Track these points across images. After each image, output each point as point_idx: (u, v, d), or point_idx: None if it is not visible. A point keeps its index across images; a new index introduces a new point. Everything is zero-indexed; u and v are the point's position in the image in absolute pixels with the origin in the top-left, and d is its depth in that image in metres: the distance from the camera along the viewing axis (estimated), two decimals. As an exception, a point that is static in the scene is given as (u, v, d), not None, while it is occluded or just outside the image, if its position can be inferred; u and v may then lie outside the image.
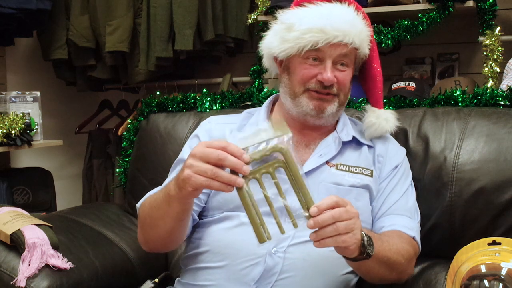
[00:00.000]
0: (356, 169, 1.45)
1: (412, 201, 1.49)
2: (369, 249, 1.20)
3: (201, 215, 1.48)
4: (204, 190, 1.42)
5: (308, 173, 1.42)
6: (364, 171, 1.45)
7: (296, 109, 1.44)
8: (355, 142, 1.50)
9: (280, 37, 1.42)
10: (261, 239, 1.09)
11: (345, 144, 1.48)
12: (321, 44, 1.36)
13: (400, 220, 1.43)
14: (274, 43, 1.44)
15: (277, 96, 1.56)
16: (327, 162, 1.45)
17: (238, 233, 1.38)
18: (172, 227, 1.33)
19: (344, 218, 1.11)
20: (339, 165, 1.45)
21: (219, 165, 1.10)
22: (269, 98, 1.58)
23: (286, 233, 1.11)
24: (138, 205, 1.44)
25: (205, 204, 1.46)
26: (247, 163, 1.09)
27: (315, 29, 1.36)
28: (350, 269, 1.41)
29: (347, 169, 1.45)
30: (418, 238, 1.44)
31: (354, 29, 1.39)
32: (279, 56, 1.44)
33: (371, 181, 1.45)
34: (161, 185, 1.46)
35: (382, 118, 1.50)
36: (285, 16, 1.44)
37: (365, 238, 1.19)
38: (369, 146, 1.51)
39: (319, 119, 1.44)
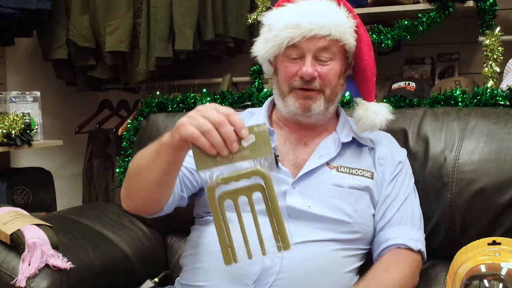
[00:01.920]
0: (356, 171, 1.45)
1: (416, 207, 1.49)
2: None
3: (200, 210, 1.48)
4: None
5: (308, 173, 1.42)
6: (365, 173, 1.45)
7: (285, 109, 1.45)
8: (355, 144, 1.50)
9: (263, 38, 1.45)
10: (227, 261, 1.08)
11: (345, 145, 1.48)
12: (297, 39, 1.37)
13: (404, 232, 1.43)
14: (260, 45, 1.47)
15: (278, 96, 1.56)
16: (327, 164, 1.45)
17: (235, 233, 1.38)
18: (155, 178, 1.26)
19: None
20: (339, 167, 1.45)
21: (216, 128, 1.05)
22: (269, 98, 1.58)
23: (253, 258, 1.08)
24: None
25: (202, 192, 1.46)
26: (242, 138, 1.05)
27: (291, 25, 1.38)
28: (349, 269, 1.41)
29: (347, 171, 1.44)
30: (423, 249, 1.44)
31: (331, 21, 1.38)
32: (264, 57, 1.46)
33: (371, 183, 1.45)
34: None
35: (371, 111, 1.47)
36: (266, 17, 1.46)
37: None
38: (370, 148, 1.51)
39: (308, 117, 1.44)
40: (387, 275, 1.36)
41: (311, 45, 1.38)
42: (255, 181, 1.06)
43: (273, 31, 1.41)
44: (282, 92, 1.45)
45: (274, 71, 1.49)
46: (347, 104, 1.82)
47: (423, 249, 1.44)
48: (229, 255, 1.07)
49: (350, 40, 1.42)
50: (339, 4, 1.42)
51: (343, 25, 1.40)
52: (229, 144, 1.04)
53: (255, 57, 1.51)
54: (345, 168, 1.45)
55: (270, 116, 1.54)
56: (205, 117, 1.07)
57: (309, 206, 1.39)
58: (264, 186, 1.05)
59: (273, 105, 1.57)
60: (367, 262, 1.48)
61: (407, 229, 1.44)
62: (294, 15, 1.39)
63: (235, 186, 1.06)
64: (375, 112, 1.47)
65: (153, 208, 1.38)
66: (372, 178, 1.46)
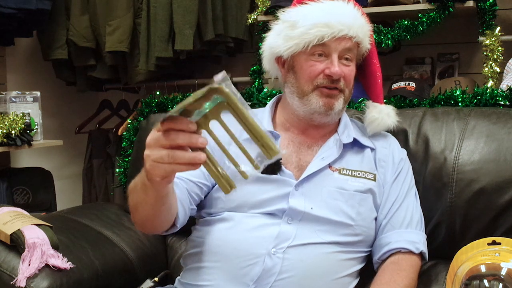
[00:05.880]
0: (359, 174, 1.45)
1: (417, 208, 1.49)
2: None
3: (203, 212, 1.48)
4: (205, 182, 1.42)
5: (311, 176, 1.42)
6: (367, 175, 1.45)
7: (304, 108, 1.43)
8: (357, 145, 1.49)
9: (285, 35, 1.43)
10: (225, 191, 1.01)
11: (346, 147, 1.47)
12: (327, 38, 1.37)
13: (405, 234, 1.44)
14: (277, 42, 1.44)
15: (280, 97, 1.56)
16: (329, 166, 1.44)
17: (237, 233, 1.38)
18: (153, 213, 1.27)
19: None
20: (342, 170, 1.44)
21: (175, 146, 0.99)
22: (273, 99, 1.58)
23: (249, 177, 1.00)
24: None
25: (207, 195, 1.46)
26: (195, 131, 0.98)
27: (320, 24, 1.38)
28: (349, 271, 1.41)
29: (350, 174, 1.44)
30: (425, 249, 1.45)
31: (357, 23, 1.41)
32: (284, 54, 1.44)
33: (374, 185, 1.45)
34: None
35: (384, 113, 1.51)
36: (287, 14, 1.45)
37: None
38: (371, 149, 1.51)
39: (326, 116, 1.44)
40: None
41: (339, 45, 1.39)
42: (218, 101, 0.96)
43: (299, 29, 1.40)
44: (302, 91, 1.43)
45: (288, 69, 1.46)
46: (348, 104, 1.81)
47: (425, 250, 1.45)
48: (224, 184, 1.01)
49: (367, 44, 1.45)
50: (356, 7, 1.44)
51: (365, 28, 1.44)
52: (196, 146, 0.98)
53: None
54: (348, 171, 1.45)
55: (273, 119, 1.53)
56: (159, 146, 1.00)
57: (312, 208, 1.39)
58: (227, 101, 0.95)
59: (275, 107, 1.56)
60: (368, 265, 1.48)
61: (408, 232, 1.44)
62: (323, 14, 1.39)
63: (201, 114, 0.99)
64: (388, 114, 1.51)
65: (164, 229, 1.37)
66: (374, 180, 1.46)
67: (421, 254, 1.44)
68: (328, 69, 1.39)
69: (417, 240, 1.43)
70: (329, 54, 1.40)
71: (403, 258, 1.41)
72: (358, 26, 1.40)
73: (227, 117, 0.97)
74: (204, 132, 1.00)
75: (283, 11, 1.47)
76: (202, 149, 1.00)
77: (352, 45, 1.41)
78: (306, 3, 1.44)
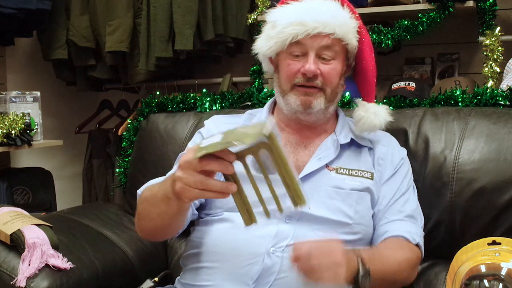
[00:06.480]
0: (356, 172, 1.45)
1: (415, 205, 1.49)
2: (365, 281, 1.21)
3: (202, 213, 1.48)
4: None
5: (308, 176, 1.42)
6: (365, 174, 1.45)
7: (286, 107, 1.45)
8: (355, 145, 1.49)
9: (266, 35, 1.45)
10: (247, 222, 1.09)
11: (344, 147, 1.48)
12: (301, 36, 1.37)
13: (403, 226, 1.43)
14: (262, 42, 1.47)
15: (278, 97, 1.56)
16: (326, 166, 1.44)
17: (237, 233, 1.38)
18: (170, 223, 1.32)
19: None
20: (339, 169, 1.44)
21: (207, 172, 1.06)
22: (271, 99, 1.58)
23: (270, 217, 1.08)
24: (139, 191, 1.42)
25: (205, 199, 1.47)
26: (231, 161, 1.05)
27: (295, 22, 1.38)
28: (349, 270, 1.41)
29: (347, 173, 1.44)
30: (421, 243, 1.44)
31: (336, 20, 1.39)
32: (267, 54, 1.46)
33: (372, 184, 1.45)
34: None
35: (371, 112, 1.48)
36: (270, 15, 1.47)
37: (361, 271, 1.21)
38: (369, 148, 1.50)
39: (308, 115, 1.44)
40: (391, 253, 1.36)
41: (314, 43, 1.39)
42: (260, 140, 1.03)
43: (277, 28, 1.41)
44: (283, 90, 1.44)
45: (275, 69, 1.49)
46: (347, 105, 1.82)
47: (421, 243, 1.43)
48: (247, 216, 1.07)
49: (352, 40, 1.43)
50: (342, 5, 1.43)
51: (347, 25, 1.42)
52: (227, 172, 1.05)
53: (255, 54, 1.51)
54: (345, 170, 1.45)
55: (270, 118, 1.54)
56: (193, 169, 1.07)
57: (309, 208, 1.39)
58: (269, 143, 1.02)
59: (273, 107, 1.56)
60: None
61: (405, 223, 1.44)
62: (299, 12, 1.39)
63: (239, 148, 1.05)
64: (375, 113, 1.48)
65: (170, 237, 1.46)
66: (372, 178, 1.46)
67: (418, 247, 1.43)
68: (303, 67, 1.39)
69: (414, 232, 1.43)
70: (306, 52, 1.40)
71: (403, 242, 1.41)
72: (336, 23, 1.39)
73: (263, 155, 1.03)
74: (239, 163, 1.06)
75: (267, 12, 1.48)
76: (235, 180, 1.06)
77: (331, 42, 1.39)
78: (288, 3, 1.45)
